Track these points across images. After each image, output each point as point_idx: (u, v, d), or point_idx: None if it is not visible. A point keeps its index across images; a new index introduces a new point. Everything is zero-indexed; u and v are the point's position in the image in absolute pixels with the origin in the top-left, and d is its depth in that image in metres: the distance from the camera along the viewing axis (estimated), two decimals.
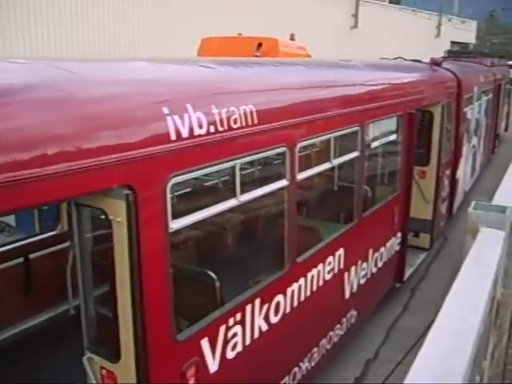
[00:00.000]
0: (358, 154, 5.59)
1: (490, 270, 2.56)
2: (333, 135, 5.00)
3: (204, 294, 3.90)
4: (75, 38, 17.96)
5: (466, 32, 52.26)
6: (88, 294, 3.29)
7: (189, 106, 3.21)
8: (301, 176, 4.50)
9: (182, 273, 3.98)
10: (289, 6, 26.79)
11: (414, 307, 7.57)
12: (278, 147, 4.15)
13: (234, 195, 3.70)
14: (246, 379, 4.07)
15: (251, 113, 3.70)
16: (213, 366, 3.66)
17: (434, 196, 8.65)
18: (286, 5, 26.63)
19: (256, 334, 4.11)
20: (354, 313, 6.04)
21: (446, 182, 9.61)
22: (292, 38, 7.93)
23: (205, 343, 3.56)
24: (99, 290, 3.33)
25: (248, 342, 4.02)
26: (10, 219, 7.22)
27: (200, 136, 3.25)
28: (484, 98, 12.91)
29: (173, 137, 3.06)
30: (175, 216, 3.18)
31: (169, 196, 3.09)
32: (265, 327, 4.22)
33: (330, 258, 5.18)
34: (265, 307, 4.18)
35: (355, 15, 34.68)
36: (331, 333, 5.52)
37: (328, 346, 5.47)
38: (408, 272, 7.78)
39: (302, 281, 4.67)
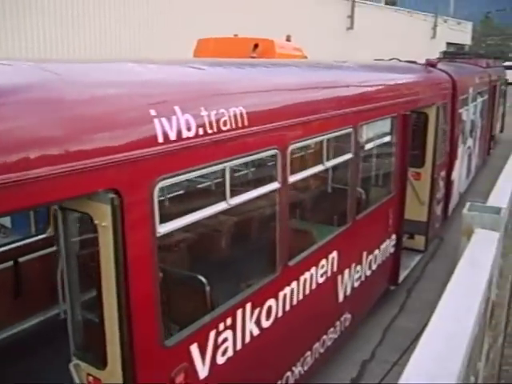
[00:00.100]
0: (352, 156, 5.54)
1: (485, 271, 2.55)
2: (325, 137, 4.96)
3: (194, 298, 3.85)
4: (76, 40, 18.00)
5: (462, 33, 52.43)
6: (74, 299, 3.24)
7: (177, 108, 3.15)
8: (293, 178, 4.45)
9: (171, 277, 3.92)
10: (285, 8, 26.86)
11: (410, 308, 7.55)
12: (270, 149, 4.10)
13: (223, 198, 3.65)
14: None
15: (241, 115, 3.65)
16: (203, 371, 3.60)
17: (428, 198, 8.61)
18: (282, 6, 26.67)
19: (247, 339, 4.06)
20: (348, 316, 5.99)
21: (441, 183, 9.58)
22: (288, 40, 7.92)
23: (194, 349, 3.50)
24: (86, 295, 3.28)
25: (239, 346, 3.97)
26: (6, 220, 7.18)
27: (188, 139, 3.19)
28: (479, 99, 12.90)
29: (160, 139, 3.00)
30: (163, 220, 3.13)
31: (156, 200, 3.04)
32: (256, 332, 4.16)
33: (323, 261, 5.13)
34: (256, 311, 4.13)
35: (351, 16, 34.76)
36: (325, 336, 5.47)
37: (321, 350, 5.42)
38: (403, 274, 7.74)
39: (294, 284, 4.62)
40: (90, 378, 3.14)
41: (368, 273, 6.38)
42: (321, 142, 4.98)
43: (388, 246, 7.01)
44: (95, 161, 2.63)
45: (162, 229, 3.11)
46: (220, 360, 3.77)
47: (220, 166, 3.57)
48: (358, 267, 6.06)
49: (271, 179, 4.27)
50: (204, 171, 3.49)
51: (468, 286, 2.36)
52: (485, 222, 3.09)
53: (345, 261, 5.60)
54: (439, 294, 2.21)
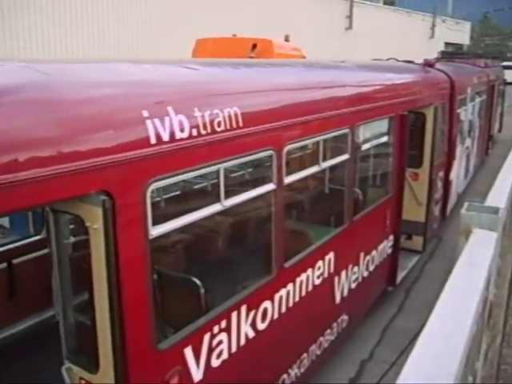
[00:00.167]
0: (348, 157, 5.50)
1: (483, 271, 2.55)
2: (322, 138, 4.92)
3: (188, 301, 3.81)
4: (74, 40, 18.00)
5: (460, 33, 52.49)
6: (67, 302, 3.20)
7: (170, 108, 3.11)
8: (289, 180, 4.42)
9: (165, 280, 3.89)
10: (283, 8, 26.85)
11: (409, 308, 7.54)
12: (265, 150, 4.06)
13: (218, 200, 3.61)
14: None
15: (236, 115, 3.61)
16: (197, 374, 3.56)
17: (426, 198, 8.58)
18: (280, 6, 26.66)
19: (242, 342, 4.02)
20: (346, 317, 5.96)
21: (440, 183, 9.55)
22: (286, 39, 7.89)
23: (188, 352, 3.46)
24: (79, 297, 3.24)
25: (234, 349, 3.93)
26: (4, 221, 7.15)
27: (182, 140, 3.16)
28: (477, 99, 12.87)
29: (153, 141, 2.96)
30: (156, 222, 3.09)
31: (149, 202, 3.00)
32: (251, 334, 4.13)
33: (320, 263, 5.09)
34: (251, 314, 4.09)
35: (349, 16, 34.76)
36: (321, 338, 5.43)
37: (318, 352, 5.38)
38: (400, 275, 7.71)
39: (290, 286, 4.58)
40: (83, 382, 3.10)
41: (365, 274, 6.35)
42: (317, 143, 4.95)
43: (385, 246, 6.98)
44: (86, 162, 2.60)
45: (155, 231, 3.07)
46: (215, 363, 3.73)
47: (214, 168, 3.53)
48: (355, 268, 6.02)
49: (266, 180, 4.23)
50: (198, 173, 3.45)
51: (466, 285, 2.36)
52: (483, 222, 3.08)
53: (342, 262, 5.57)
54: (438, 293, 2.20)
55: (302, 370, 5.08)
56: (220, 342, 3.76)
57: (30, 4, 16.59)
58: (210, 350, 3.66)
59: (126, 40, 19.70)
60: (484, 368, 3.37)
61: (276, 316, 4.42)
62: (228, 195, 3.68)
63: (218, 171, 3.57)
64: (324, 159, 5.11)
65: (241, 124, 3.65)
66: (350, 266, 5.86)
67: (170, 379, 3.30)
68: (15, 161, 2.32)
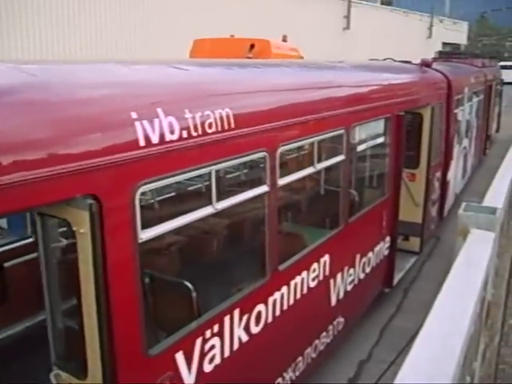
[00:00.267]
0: (344, 158, 5.45)
1: (480, 271, 2.54)
2: (317, 139, 4.87)
3: (180, 305, 3.76)
4: (72, 40, 17.98)
5: (458, 33, 52.55)
6: (55, 307, 3.15)
7: (159, 110, 3.06)
8: (282, 181, 4.36)
9: (156, 284, 3.83)
10: (281, 8, 26.82)
11: (407, 308, 7.51)
12: (258, 152, 4.01)
13: (209, 203, 3.55)
14: None
15: (228, 117, 3.55)
16: (189, 380, 3.51)
17: (423, 199, 8.54)
18: (278, 6, 26.64)
19: (236, 346, 3.97)
20: (341, 320, 5.91)
21: (437, 184, 9.51)
22: (284, 40, 7.85)
23: (180, 357, 3.41)
24: (67, 302, 3.18)
25: (227, 354, 3.88)
26: (2, 222, 7.13)
27: (172, 142, 3.10)
28: (475, 99, 12.84)
29: (142, 143, 2.91)
30: (145, 225, 3.03)
31: (138, 205, 2.94)
32: (245, 338, 4.07)
33: (315, 265, 5.04)
34: (245, 317, 4.04)
35: (347, 16, 34.77)
36: (317, 341, 5.38)
37: (313, 355, 5.33)
38: (397, 277, 7.67)
39: (284, 289, 4.53)
40: None
41: (361, 276, 6.30)
42: (312, 144, 4.90)
43: (382, 248, 6.93)
44: (72, 166, 2.54)
45: (144, 235, 3.02)
46: (207, 368, 3.68)
47: (205, 170, 3.48)
48: (351, 270, 5.97)
49: (260, 182, 4.18)
50: (189, 175, 3.39)
51: (464, 286, 2.36)
52: (480, 223, 3.08)
53: (337, 264, 5.51)
54: (436, 294, 2.20)
55: (297, 374, 5.03)
56: (212, 347, 3.70)
57: (28, 4, 16.56)
58: (203, 354, 3.61)
59: (124, 40, 19.68)
60: (482, 368, 3.38)
61: (270, 319, 4.37)
62: (220, 198, 3.62)
63: (209, 173, 3.51)
64: (319, 160, 5.06)
65: (233, 125, 3.59)
66: (346, 268, 5.81)
67: None
68: None
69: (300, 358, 5.07)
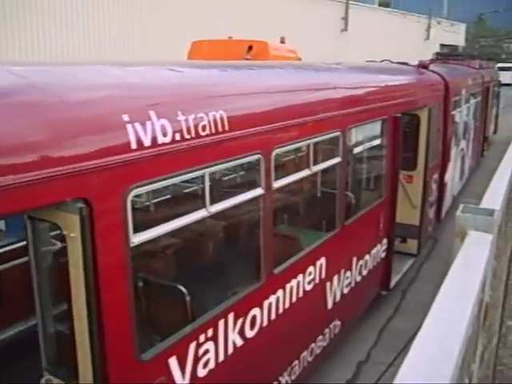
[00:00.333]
0: (340, 160, 5.42)
1: (478, 273, 2.55)
2: (312, 141, 4.83)
3: (173, 309, 3.72)
4: (70, 40, 17.97)
5: (455, 34, 52.65)
6: (45, 312, 3.11)
7: (152, 112, 3.02)
8: (278, 184, 4.32)
9: (149, 288, 3.79)
10: (279, 10, 26.82)
11: (405, 309, 7.50)
12: (252, 154, 3.97)
13: (203, 206, 3.52)
14: None
15: (222, 119, 3.52)
16: None
17: (421, 201, 8.51)
18: (276, 8, 26.65)
19: (230, 350, 3.93)
20: (338, 323, 5.87)
21: (434, 186, 9.48)
22: (282, 41, 7.83)
23: (173, 362, 3.37)
24: (58, 307, 3.15)
25: (221, 358, 3.84)
26: (0, 224, 7.10)
27: (164, 145, 3.06)
28: (472, 101, 12.83)
29: (133, 146, 2.87)
30: (138, 229, 2.99)
31: (130, 208, 2.90)
32: (240, 342, 4.03)
33: (311, 268, 5.00)
34: (239, 321, 4.00)
35: (345, 18, 34.78)
36: (313, 344, 5.34)
37: (310, 359, 5.29)
38: (395, 279, 7.63)
39: (280, 293, 4.49)
40: None
41: (358, 278, 6.26)
42: (308, 146, 4.86)
43: (379, 250, 6.90)
44: (62, 169, 2.50)
45: (136, 238, 2.98)
46: (201, 373, 3.64)
47: (199, 173, 3.44)
48: (348, 273, 5.93)
49: (254, 185, 4.14)
50: (182, 178, 3.36)
51: (461, 287, 2.37)
52: (478, 224, 3.10)
53: (334, 267, 5.48)
54: (434, 295, 2.19)
55: (293, 378, 4.99)
56: (207, 351, 3.66)
57: (26, 4, 16.55)
58: (197, 359, 3.57)
59: (122, 40, 19.68)
60: (480, 369, 3.39)
61: (265, 323, 4.33)
62: (214, 201, 3.59)
63: (203, 176, 3.47)
64: (315, 163, 5.03)
65: (227, 128, 3.56)
66: (342, 271, 5.77)
67: None
68: None
69: (296, 362, 5.03)
